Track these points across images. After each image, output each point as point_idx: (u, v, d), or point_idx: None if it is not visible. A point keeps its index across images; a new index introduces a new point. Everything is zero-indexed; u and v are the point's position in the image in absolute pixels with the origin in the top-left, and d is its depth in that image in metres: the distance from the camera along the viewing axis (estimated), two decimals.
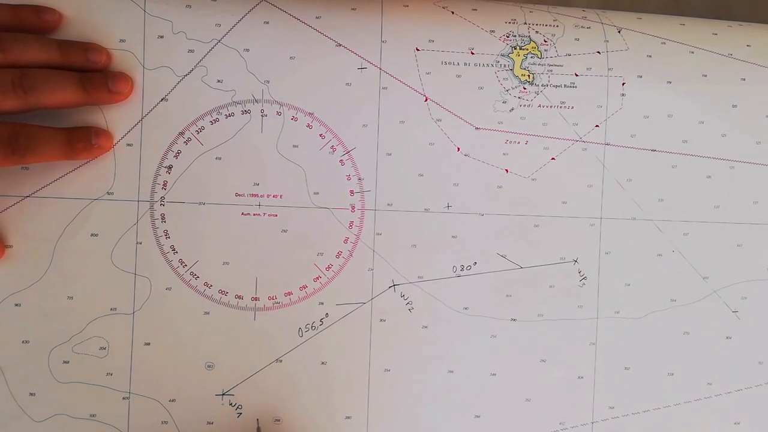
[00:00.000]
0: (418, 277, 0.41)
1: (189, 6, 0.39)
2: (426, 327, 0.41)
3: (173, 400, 0.39)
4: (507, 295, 0.42)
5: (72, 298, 0.38)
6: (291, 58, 0.40)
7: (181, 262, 0.39)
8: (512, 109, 0.42)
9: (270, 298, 0.40)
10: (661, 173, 0.43)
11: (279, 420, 0.40)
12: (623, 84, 0.43)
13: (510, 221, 0.42)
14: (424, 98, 0.41)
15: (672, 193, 0.43)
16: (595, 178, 0.43)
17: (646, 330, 0.43)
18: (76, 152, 0.37)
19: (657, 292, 0.43)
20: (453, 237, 0.41)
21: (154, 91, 0.39)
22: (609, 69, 0.43)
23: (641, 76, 0.43)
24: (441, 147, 0.41)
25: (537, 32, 0.42)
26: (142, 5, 0.39)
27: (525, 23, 0.42)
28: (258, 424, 0.39)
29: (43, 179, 0.38)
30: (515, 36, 0.42)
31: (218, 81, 0.39)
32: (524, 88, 0.42)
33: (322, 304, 0.40)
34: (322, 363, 0.40)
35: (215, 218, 0.39)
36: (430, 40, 0.41)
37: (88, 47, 0.38)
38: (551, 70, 0.42)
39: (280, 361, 0.40)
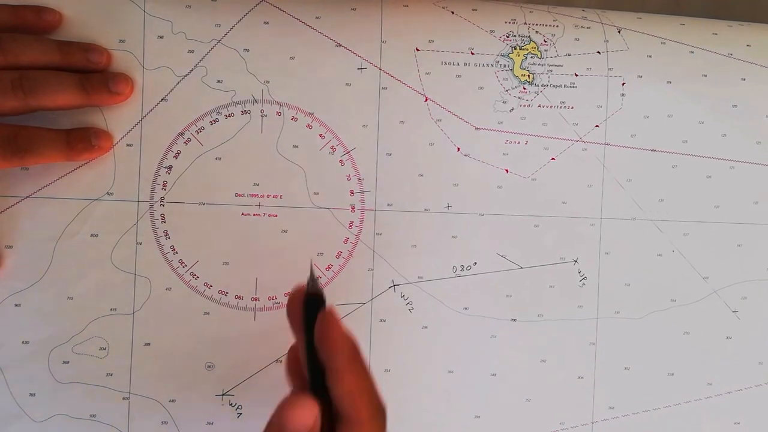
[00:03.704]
0: (418, 277, 0.41)
1: (189, 6, 0.39)
2: (426, 327, 0.41)
3: (173, 400, 0.39)
4: (507, 295, 0.42)
5: (72, 298, 0.38)
6: (291, 58, 0.40)
7: (181, 262, 0.39)
8: (512, 109, 0.42)
9: (270, 298, 0.40)
10: (661, 173, 0.43)
11: None
12: (623, 84, 0.43)
13: (510, 221, 0.42)
14: (424, 98, 0.41)
15: (672, 193, 0.43)
16: (595, 178, 0.43)
17: (646, 330, 0.43)
18: (75, 153, 0.37)
19: (657, 292, 0.43)
20: (453, 237, 0.41)
21: (154, 92, 0.39)
22: (609, 69, 0.43)
23: (641, 76, 0.43)
24: (441, 147, 0.41)
25: (537, 32, 0.42)
26: (141, 5, 0.39)
27: (525, 23, 0.42)
28: (311, 264, 0.35)
29: (42, 180, 0.38)
30: (515, 36, 0.42)
31: (218, 81, 0.39)
32: (524, 88, 0.42)
33: None
34: None
35: (215, 218, 0.39)
36: (430, 40, 0.41)
37: (88, 48, 0.38)
38: (551, 70, 0.42)
39: (280, 361, 0.40)
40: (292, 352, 0.32)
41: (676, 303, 0.43)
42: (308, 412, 0.27)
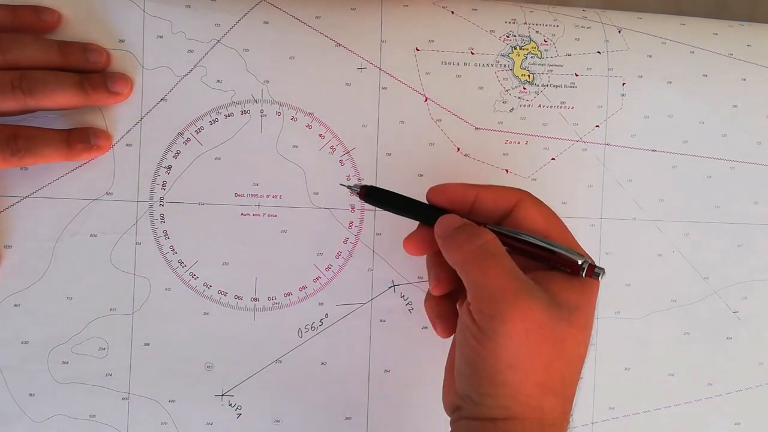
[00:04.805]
0: (418, 277, 0.41)
1: (188, 6, 0.39)
2: (426, 327, 0.41)
3: (173, 401, 0.39)
4: None
5: (71, 298, 0.38)
6: (291, 58, 0.40)
7: (181, 262, 0.39)
8: (512, 109, 0.42)
9: (269, 299, 0.40)
10: (661, 173, 0.43)
11: (279, 420, 0.40)
12: (623, 84, 0.43)
13: None
14: (424, 98, 0.41)
15: (672, 193, 0.43)
16: (595, 178, 0.42)
17: (646, 330, 0.43)
18: (75, 153, 0.37)
19: (657, 292, 0.43)
20: None
21: (154, 92, 0.39)
22: (609, 69, 0.43)
23: (641, 76, 0.43)
24: (441, 147, 0.41)
25: (537, 32, 0.42)
26: (141, 5, 0.39)
27: (525, 23, 0.42)
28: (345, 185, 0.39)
29: (42, 179, 0.38)
30: (515, 36, 0.42)
31: (218, 81, 0.39)
32: (524, 88, 0.42)
33: (322, 304, 0.40)
34: (322, 363, 0.40)
35: (215, 218, 0.39)
36: (430, 40, 0.41)
37: (88, 48, 0.38)
38: (551, 70, 0.42)
39: (280, 361, 0.40)
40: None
41: (677, 303, 0.43)
42: (451, 218, 0.34)
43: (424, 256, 0.37)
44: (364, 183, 0.37)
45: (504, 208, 0.34)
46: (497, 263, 0.31)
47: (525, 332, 0.29)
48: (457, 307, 0.37)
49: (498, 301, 0.30)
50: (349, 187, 0.37)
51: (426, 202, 0.35)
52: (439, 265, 0.35)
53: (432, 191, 0.35)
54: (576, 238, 0.34)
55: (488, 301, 0.30)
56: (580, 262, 0.32)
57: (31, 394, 0.38)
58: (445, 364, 0.36)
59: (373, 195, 0.36)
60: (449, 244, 0.32)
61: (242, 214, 0.40)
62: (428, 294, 0.37)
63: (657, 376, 0.43)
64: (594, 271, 0.32)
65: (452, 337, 0.36)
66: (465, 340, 0.31)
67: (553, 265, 0.33)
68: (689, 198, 0.43)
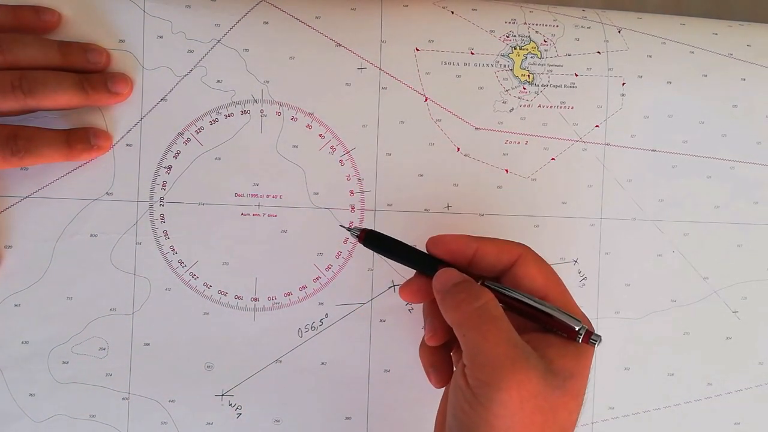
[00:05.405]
0: None
1: (188, 6, 0.39)
2: None
3: (173, 401, 0.39)
4: None
5: (71, 298, 0.38)
6: (291, 58, 0.40)
7: (181, 262, 0.39)
8: (512, 109, 0.42)
9: (269, 299, 0.40)
10: (661, 173, 0.43)
11: (279, 420, 0.40)
12: (623, 84, 0.43)
13: (510, 221, 0.42)
14: (424, 98, 0.41)
15: (672, 193, 0.43)
16: (595, 178, 0.42)
17: (646, 330, 0.43)
18: (75, 153, 0.37)
19: (657, 292, 0.43)
20: None
21: (154, 92, 0.39)
22: (609, 69, 0.43)
23: (641, 76, 0.43)
24: (441, 147, 0.41)
25: (537, 32, 0.42)
26: (141, 5, 0.39)
27: (525, 23, 0.42)
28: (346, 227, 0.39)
29: (42, 179, 0.38)
30: (515, 36, 0.42)
31: (218, 81, 0.39)
32: (524, 88, 0.42)
33: (322, 304, 0.40)
34: (322, 363, 0.40)
35: (215, 218, 0.39)
36: (430, 40, 0.41)
37: (88, 48, 0.38)
38: (551, 70, 0.42)
39: (280, 361, 0.40)
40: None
41: (676, 303, 0.43)
42: (450, 272, 0.33)
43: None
44: (363, 227, 0.37)
45: (505, 262, 0.33)
46: (496, 327, 0.30)
47: (520, 401, 0.29)
48: (452, 356, 0.36)
49: (494, 368, 0.29)
50: (348, 229, 0.37)
51: (425, 251, 0.35)
52: (435, 316, 0.34)
53: (431, 242, 0.34)
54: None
55: (484, 367, 0.29)
56: (577, 329, 0.31)
57: (31, 394, 0.38)
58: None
59: (371, 240, 0.35)
60: (447, 301, 0.32)
61: (242, 214, 0.40)
62: (423, 342, 0.36)
63: (657, 376, 0.43)
64: (591, 339, 0.31)
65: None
66: (458, 402, 0.30)
67: (549, 328, 0.32)
68: (689, 198, 0.43)
